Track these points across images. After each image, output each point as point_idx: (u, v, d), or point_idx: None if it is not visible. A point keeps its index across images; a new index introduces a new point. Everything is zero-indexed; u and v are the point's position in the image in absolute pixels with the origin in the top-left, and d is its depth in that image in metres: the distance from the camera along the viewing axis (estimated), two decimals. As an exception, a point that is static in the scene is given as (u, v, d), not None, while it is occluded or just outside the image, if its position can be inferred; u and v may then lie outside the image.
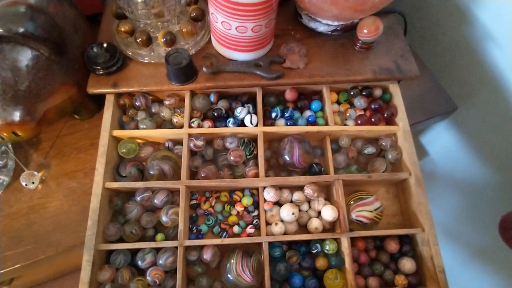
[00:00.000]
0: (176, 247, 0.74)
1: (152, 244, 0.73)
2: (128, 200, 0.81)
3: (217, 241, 0.75)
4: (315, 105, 0.94)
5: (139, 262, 0.73)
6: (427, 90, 1.11)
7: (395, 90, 0.93)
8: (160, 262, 0.72)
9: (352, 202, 0.83)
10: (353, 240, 0.77)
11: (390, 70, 0.89)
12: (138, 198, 0.77)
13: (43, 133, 0.97)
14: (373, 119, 0.96)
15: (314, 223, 0.81)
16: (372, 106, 0.99)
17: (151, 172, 0.81)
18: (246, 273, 0.72)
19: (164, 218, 0.76)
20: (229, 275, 0.73)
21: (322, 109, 0.95)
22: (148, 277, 0.71)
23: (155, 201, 0.79)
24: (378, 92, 0.99)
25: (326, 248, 0.78)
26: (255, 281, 0.72)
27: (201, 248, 0.76)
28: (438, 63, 1.18)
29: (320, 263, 0.79)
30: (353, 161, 0.92)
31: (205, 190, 0.86)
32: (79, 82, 0.81)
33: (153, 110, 0.89)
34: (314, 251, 0.79)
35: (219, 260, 0.79)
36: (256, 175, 0.82)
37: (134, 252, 0.75)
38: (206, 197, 0.86)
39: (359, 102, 0.98)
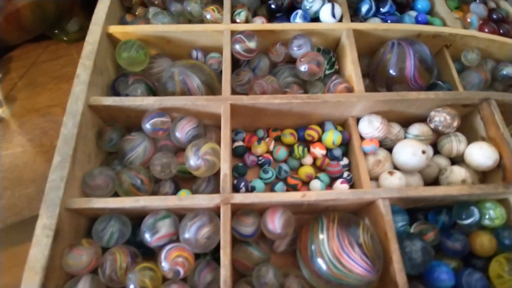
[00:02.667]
0: (219, 209, 0.39)
1: (171, 202, 0.39)
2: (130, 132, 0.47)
3: (293, 195, 0.40)
4: (421, 3, 0.61)
5: (147, 236, 0.38)
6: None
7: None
8: (186, 235, 0.38)
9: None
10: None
11: None
12: (148, 126, 0.44)
13: (14, 61, 0.66)
14: (501, 31, 0.64)
15: (457, 174, 0.45)
16: (494, 16, 0.67)
17: (170, 89, 0.47)
18: (353, 256, 0.37)
19: (192, 162, 0.42)
20: (318, 262, 0.38)
21: (430, 12, 0.62)
22: (163, 264, 0.36)
23: (176, 133, 0.45)
24: (492, 4, 0.69)
25: (488, 216, 0.42)
26: (372, 271, 0.37)
27: (260, 213, 0.41)
28: None
29: (481, 242, 0.42)
30: (486, 85, 0.57)
31: (257, 127, 0.52)
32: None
33: (173, 9, 0.56)
34: (467, 222, 0.43)
35: (293, 238, 0.43)
36: (348, 90, 0.48)
37: (137, 220, 0.40)
38: (259, 138, 0.51)
39: (478, 8, 0.66)
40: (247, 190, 0.48)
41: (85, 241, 0.38)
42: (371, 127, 0.47)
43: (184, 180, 0.48)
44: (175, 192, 0.45)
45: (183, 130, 0.45)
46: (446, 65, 0.56)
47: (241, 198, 0.39)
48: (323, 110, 0.48)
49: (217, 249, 0.40)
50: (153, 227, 0.38)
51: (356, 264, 0.37)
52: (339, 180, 0.47)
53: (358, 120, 0.50)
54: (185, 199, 0.39)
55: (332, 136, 0.48)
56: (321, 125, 0.51)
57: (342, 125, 0.52)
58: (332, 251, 0.37)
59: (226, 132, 0.43)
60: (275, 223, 0.39)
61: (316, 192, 0.40)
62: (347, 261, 0.37)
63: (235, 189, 0.47)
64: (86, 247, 0.37)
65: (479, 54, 0.57)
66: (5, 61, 0.65)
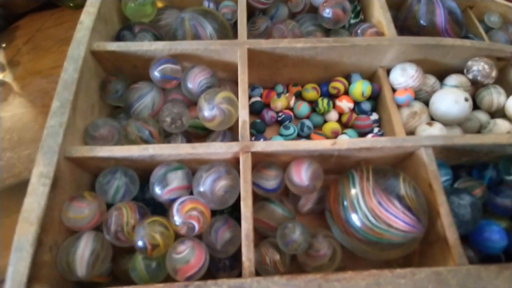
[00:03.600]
0: (237, 160, 0.34)
1: (184, 151, 0.34)
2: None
3: (321, 143, 0.35)
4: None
5: (157, 188, 0.34)
6: None
7: None
8: (201, 188, 0.33)
9: None
10: None
11: None
12: (157, 74, 0.39)
13: (20, 29, 0.63)
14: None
15: (502, 126, 0.40)
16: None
17: (180, 36, 0.43)
18: (393, 210, 0.32)
19: (206, 112, 0.37)
20: (351, 218, 0.33)
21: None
22: (176, 217, 0.32)
23: (188, 84, 0.40)
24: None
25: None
26: (417, 226, 0.32)
27: (283, 167, 0.36)
28: None
29: (537, 200, 0.37)
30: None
31: (275, 81, 0.47)
32: None
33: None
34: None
35: (319, 196, 0.39)
36: (378, 34, 0.43)
37: (145, 177, 0.36)
38: (278, 93, 0.46)
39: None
40: (266, 148, 0.43)
41: (87, 193, 0.33)
42: (405, 76, 0.42)
43: (197, 137, 0.44)
44: (187, 147, 0.40)
45: (195, 80, 0.40)
46: (472, 24, 0.52)
47: (262, 146, 0.34)
48: (350, 59, 0.43)
49: (234, 207, 0.36)
50: (163, 178, 0.34)
51: (397, 218, 0.32)
52: (370, 135, 0.42)
53: (388, 72, 0.45)
54: (199, 147, 0.34)
55: (361, 87, 0.43)
56: (347, 77, 0.46)
57: (370, 78, 0.47)
58: (368, 205, 0.32)
59: (244, 78, 0.38)
60: (301, 175, 0.34)
61: (349, 140, 0.35)
62: (386, 216, 0.32)
63: (253, 147, 0.43)
64: (88, 200, 0.33)
65: (500, 18, 0.53)
66: (12, 30, 0.62)
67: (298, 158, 0.36)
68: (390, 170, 0.35)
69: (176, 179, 0.34)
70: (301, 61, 0.43)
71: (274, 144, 0.34)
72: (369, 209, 0.32)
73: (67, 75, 0.36)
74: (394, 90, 0.43)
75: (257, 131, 0.44)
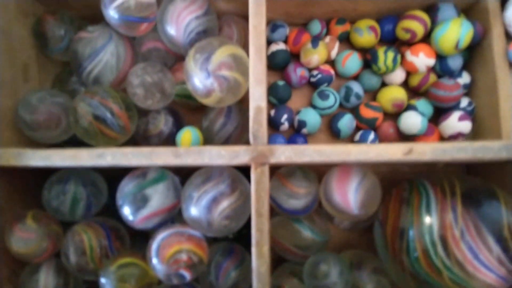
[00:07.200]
0: (247, 169, 0.22)
1: (161, 160, 0.21)
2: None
3: (387, 150, 0.21)
4: None
5: (127, 213, 0.22)
6: None
7: None
8: (194, 212, 0.22)
9: None
10: None
11: None
12: (113, 13, 0.23)
13: None
14: None
15: None
16: None
17: None
18: (486, 257, 0.20)
19: (197, 81, 0.23)
20: (420, 261, 0.22)
21: None
22: (156, 265, 0.21)
23: (168, 27, 0.25)
24: None
25: None
26: (509, 278, 0.21)
27: (319, 171, 0.23)
28: None
29: None
30: None
31: (309, 16, 0.30)
32: None
33: None
34: None
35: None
36: None
37: (112, 177, 0.24)
38: (314, 36, 0.30)
39: None
40: (292, 127, 0.29)
41: (31, 216, 0.23)
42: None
43: (190, 109, 0.30)
44: (174, 129, 0.27)
45: (179, 22, 0.25)
46: None
47: (287, 154, 0.21)
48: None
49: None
50: (136, 197, 0.22)
51: (488, 270, 0.21)
52: (455, 114, 0.27)
53: (503, 3, 0.26)
54: (185, 154, 0.21)
55: (457, 32, 0.26)
56: (430, 10, 0.28)
57: (467, 12, 0.29)
58: (450, 248, 0.21)
59: (260, 22, 0.22)
60: (348, 197, 0.22)
61: (433, 146, 0.21)
62: (474, 265, 0.21)
63: (273, 124, 0.29)
64: (33, 227, 0.23)
65: None
66: None
67: (344, 167, 0.22)
68: (485, 189, 0.22)
69: (156, 197, 0.23)
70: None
71: (307, 152, 0.21)
72: (450, 254, 0.21)
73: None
74: (509, 37, 0.26)
75: (279, 100, 0.29)
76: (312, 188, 0.23)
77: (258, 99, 0.21)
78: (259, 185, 0.21)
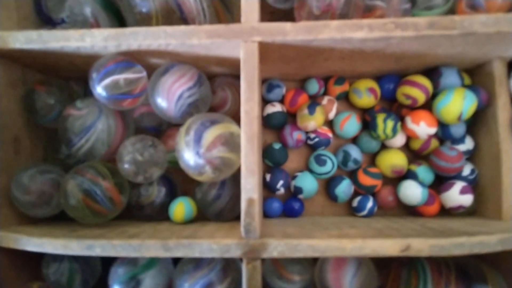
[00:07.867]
0: (239, 260, 0.21)
1: (150, 252, 0.21)
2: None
3: (383, 247, 0.20)
4: None
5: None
6: None
7: None
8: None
9: None
10: None
11: None
12: (100, 91, 0.23)
13: None
14: None
15: None
16: None
17: (141, 8, 0.23)
18: None
19: (190, 161, 0.22)
20: None
21: None
22: None
23: (158, 100, 0.24)
24: None
25: None
26: None
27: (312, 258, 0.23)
28: None
29: None
30: None
31: (307, 75, 0.29)
32: None
33: None
34: None
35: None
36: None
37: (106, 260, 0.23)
38: (311, 96, 0.29)
39: None
40: (288, 191, 0.29)
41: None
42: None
43: (184, 174, 0.30)
44: (166, 200, 0.27)
45: (171, 94, 0.24)
46: None
47: (280, 249, 0.20)
48: (450, 50, 0.23)
49: None
50: (128, 285, 0.22)
51: None
52: (457, 186, 0.26)
53: (510, 67, 0.25)
54: (175, 248, 0.20)
55: (460, 103, 0.25)
56: (432, 73, 0.27)
57: (471, 72, 0.28)
58: None
59: (252, 108, 0.21)
60: (342, 286, 0.21)
61: (431, 242, 0.20)
62: None
63: (269, 188, 0.28)
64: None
65: None
66: None
67: (340, 258, 0.22)
68: (474, 268, 0.22)
69: (148, 281, 0.22)
70: (357, 53, 0.24)
71: (301, 247, 0.20)
72: None
73: None
74: (515, 105, 0.25)
75: (275, 163, 0.29)
76: (307, 275, 0.23)
77: (250, 191, 0.21)
78: (251, 281, 0.20)
